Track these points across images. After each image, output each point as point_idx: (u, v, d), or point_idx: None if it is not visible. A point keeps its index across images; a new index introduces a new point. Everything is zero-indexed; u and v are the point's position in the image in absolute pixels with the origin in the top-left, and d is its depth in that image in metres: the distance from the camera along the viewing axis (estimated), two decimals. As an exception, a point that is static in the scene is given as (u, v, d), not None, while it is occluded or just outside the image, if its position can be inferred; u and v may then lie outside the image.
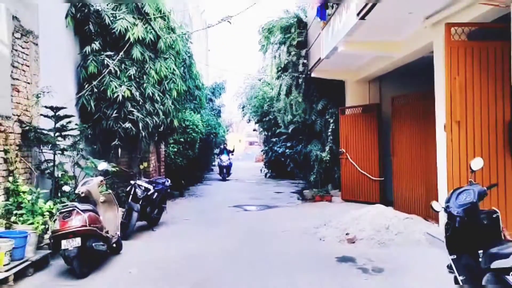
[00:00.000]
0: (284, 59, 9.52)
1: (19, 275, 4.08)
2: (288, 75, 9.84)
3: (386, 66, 7.47)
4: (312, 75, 9.22)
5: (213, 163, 20.06)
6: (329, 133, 9.54)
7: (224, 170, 14.73)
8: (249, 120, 20.69)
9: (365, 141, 8.74)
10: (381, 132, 8.56)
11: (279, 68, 10.38)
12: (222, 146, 16.03)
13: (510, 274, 2.36)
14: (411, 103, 7.04)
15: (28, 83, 5.32)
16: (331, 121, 9.52)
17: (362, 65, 8.42)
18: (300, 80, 9.62)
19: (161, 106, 7.41)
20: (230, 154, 15.18)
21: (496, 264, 2.46)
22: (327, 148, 9.52)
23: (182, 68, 9.41)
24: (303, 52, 9.28)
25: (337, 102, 9.60)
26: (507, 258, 2.39)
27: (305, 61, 9.26)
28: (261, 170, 19.05)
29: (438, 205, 3.12)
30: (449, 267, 2.99)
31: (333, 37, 6.83)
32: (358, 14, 5.26)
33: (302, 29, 9.45)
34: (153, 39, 7.18)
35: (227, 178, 14.83)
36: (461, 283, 2.85)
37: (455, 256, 2.93)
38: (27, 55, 5.29)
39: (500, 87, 4.67)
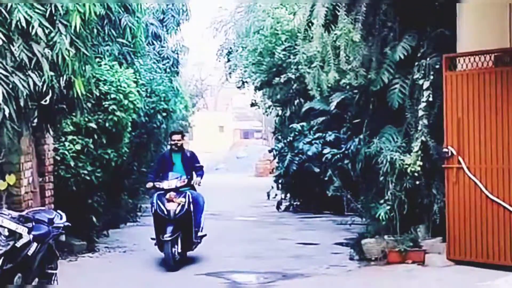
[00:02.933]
0: None
1: None
2: (331, -18, 9.83)
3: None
4: (384, -18, 9.21)
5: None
6: (421, 112, 9.53)
7: (167, 231, 9.41)
8: (243, 83, 20.72)
9: (502, 130, 8.68)
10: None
11: (311, -33, 10.36)
12: (169, 146, 11.34)
13: None
14: None
15: None
16: (426, 84, 9.49)
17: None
18: (356, -6, 9.62)
19: (47, 50, 7.34)
20: (189, 175, 10.34)
21: None
22: (415, 146, 9.51)
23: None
24: None
25: (438, 42, 9.59)
26: None
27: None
28: (268, 195, 19.09)
29: None
30: None
31: None
32: None
33: None
34: None
35: (178, 255, 9.67)
36: None
37: None
38: None
39: None
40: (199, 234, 10.13)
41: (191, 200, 9.72)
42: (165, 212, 9.47)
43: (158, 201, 9.64)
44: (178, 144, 10.55)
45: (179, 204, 9.52)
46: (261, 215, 16.78)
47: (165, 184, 9.81)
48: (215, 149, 50.72)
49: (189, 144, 33.23)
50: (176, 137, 10.65)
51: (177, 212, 9.46)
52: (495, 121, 8.76)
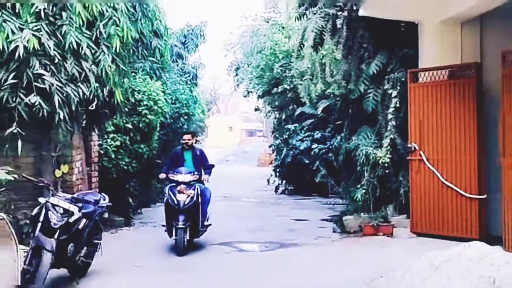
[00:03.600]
0: (312, -16, 9.52)
1: None
2: (318, 12, 9.84)
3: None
4: (361, 12, 9.20)
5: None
6: (390, 116, 9.55)
7: (180, 220, 8.40)
8: (248, 93, 20.75)
9: (455, 129, 8.70)
10: (483, 114, 8.53)
11: (303, 1, 10.35)
12: (180, 144, 9.78)
13: None
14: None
15: None
16: (394, 93, 9.51)
17: (450, -6, 8.36)
18: (339, 22, 9.64)
19: (93, 67, 7.40)
20: (198, 171, 9.25)
21: None
22: (386, 142, 9.55)
23: (129, -1, 9.37)
24: (344, -28, 9.25)
25: (404, 60, 9.60)
26: None
27: (348, -13, 9.23)
28: (268, 181, 19.15)
29: None
30: None
31: None
32: None
33: None
34: None
35: (186, 240, 8.47)
36: None
37: None
38: None
39: None
40: (205, 223, 9.00)
41: (199, 192, 8.68)
42: (176, 202, 8.42)
43: (170, 193, 8.58)
44: (189, 143, 9.41)
45: (188, 196, 8.47)
46: (262, 197, 16.81)
47: (179, 178, 8.69)
48: (226, 145, 50.70)
49: (205, 141, 33.30)
50: (187, 136, 9.51)
51: (186, 202, 8.41)
52: (449, 122, 8.81)
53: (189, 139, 9.42)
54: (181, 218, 8.33)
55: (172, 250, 8.40)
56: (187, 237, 8.43)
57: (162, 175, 9.19)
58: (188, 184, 8.62)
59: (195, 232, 8.70)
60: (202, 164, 9.37)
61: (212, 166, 9.57)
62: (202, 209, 8.82)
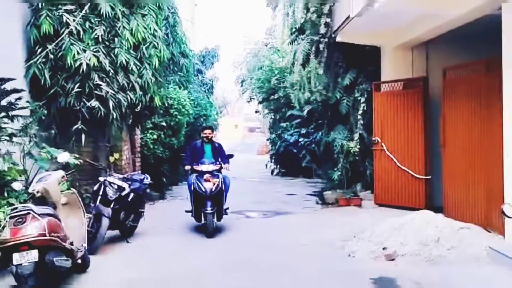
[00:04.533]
0: (300, 17, 9.51)
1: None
2: (306, 38, 9.81)
3: (437, 27, 7.42)
4: (338, 39, 9.19)
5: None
6: (359, 116, 9.57)
7: (208, 205, 7.14)
8: (250, 99, 20.76)
9: (407, 127, 8.75)
10: (428, 116, 8.57)
11: (294, 30, 10.34)
12: (200, 139, 8.19)
13: None
14: (470, 76, 7.00)
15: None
16: (362, 100, 9.53)
17: (404, 25, 8.34)
18: (321, 46, 9.60)
19: (138, 79, 7.47)
20: (219, 159, 7.83)
21: None
22: (356, 136, 9.58)
23: (164, 28, 9.41)
24: (326, 9, 9.23)
25: (370, 75, 9.61)
26: None
27: (328, 20, 9.22)
28: (266, 166, 19.22)
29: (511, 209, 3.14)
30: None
31: (367, -13, 6.79)
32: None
33: (324, -23, 9.39)
34: (127, -12, 7.20)
35: (216, 223, 7.33)
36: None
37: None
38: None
39: None
40: (224, 207, 7.59)
41: (225, 180, 7.49)
42: (203, 190, 7.10)
43: (197, 181, 7.20)
44: (209, 137, 7.94)
45: (214, 183, 7.19)
46: (262, 178, 16.88)
47: (204, 168, 7.41)
48: (232, 139, 50.76)
49: (218, 135, 33.32)
50: (208, 131, 8.01)
51: (213, 190, 7.13)
52: (403, 122, 8.88)
53: (209, 133, 8.00)
54: (209, 203, 7.13)
55: (201, 231, 7.31)
56: (215, 220, 7.30)
57: (188, 167, 7.80)
58: (212, 174, 7.41)
59: (219, 216, 7.44)
60: (220, 155, 7.95)
61: (232, 156, 8.27)
62: (224, 194, 7.53)
